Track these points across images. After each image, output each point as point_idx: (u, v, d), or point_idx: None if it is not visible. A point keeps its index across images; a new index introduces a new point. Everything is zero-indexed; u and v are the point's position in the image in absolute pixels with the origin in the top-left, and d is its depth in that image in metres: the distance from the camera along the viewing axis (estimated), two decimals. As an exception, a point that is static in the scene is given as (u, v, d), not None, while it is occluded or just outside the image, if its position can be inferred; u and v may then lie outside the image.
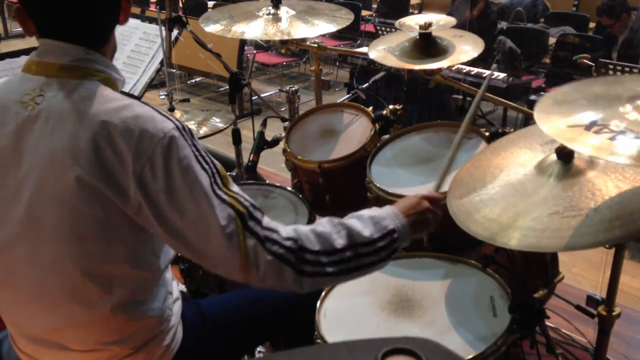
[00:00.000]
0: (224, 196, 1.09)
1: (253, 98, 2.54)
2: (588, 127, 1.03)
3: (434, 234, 1.69)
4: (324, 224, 1.17)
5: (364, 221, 1.19)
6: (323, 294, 1.47)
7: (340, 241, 1.14)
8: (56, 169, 1.06)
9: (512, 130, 1.65)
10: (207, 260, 1.12)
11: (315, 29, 2.13)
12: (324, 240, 1.13)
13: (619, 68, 4.17)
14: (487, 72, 4.65)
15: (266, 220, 1.12)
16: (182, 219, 1.06)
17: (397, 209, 1.25)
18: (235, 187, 1.13)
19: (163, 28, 2.04)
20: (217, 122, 2.06)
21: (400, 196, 1.68)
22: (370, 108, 2.11)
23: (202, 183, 1.07)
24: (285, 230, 1.12)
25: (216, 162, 1.13)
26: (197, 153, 1.09)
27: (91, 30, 1.14)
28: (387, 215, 1.22)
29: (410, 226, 1.24)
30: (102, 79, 1.13)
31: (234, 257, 1.08)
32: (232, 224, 1.08)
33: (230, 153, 2.63)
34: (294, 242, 1.11)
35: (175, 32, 2.20)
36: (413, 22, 2.00)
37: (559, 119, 1.09)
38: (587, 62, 4.66)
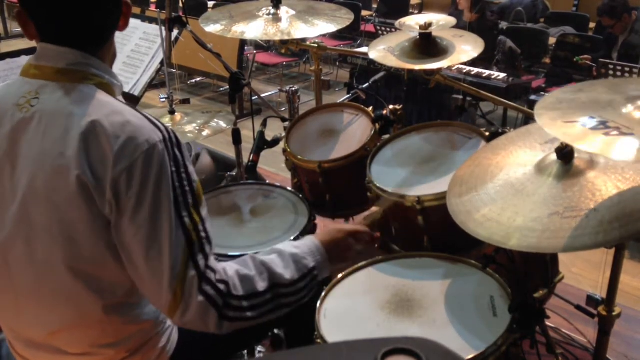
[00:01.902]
0: (185, 219, 1.09)
1: (253, 98, 2.54)
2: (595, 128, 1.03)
3: (434, 234, 1.69)
4: (248, 264, 1.17)
5: (285, 260, 1.20)
6: (323, 294, 1.47)
7: (262, 284, 1.15)
8: (46, 169, 1.07)
9: (511, 130, 1.64)
10: (143, 282, 1.11)
11: (316, 29, 2.12)
12: (248, 284, 1.14)
13: (619, 68, 4.17)
14: (487, 72, 4.65)
15: (212, 260, 1.13)
16: (137, 233, 1.07)
17: (319, 241, 1.28)
18: (203, 212, 1.13)
19: (163, 28, 2.04)
20: (220, 123, 2.06)
21: (401, 196, 1.69)
22: (370, 108, 2.11)
23: (170, 201, 1.07)
24: (220, 272, 1.12)
25: (194, 179, 1.13)
26: (174, 169, 1.09)
27: (90, 34, 1.14)
28: (309, 251, 1.24)
29: (330, 262, 1.28)
30: (98, 83, 1.14)
31: (171, 283, 1.08)
32: (180, 250, 1.08)
33: (230, 153, 2.63)
34: (226, 285, 1.11)
35: (175, 32, 2.20)
36: (413, 22, 2.00)
37: (564, 121, 1.10)
38: (588, 62, 4.66)
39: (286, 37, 2.12)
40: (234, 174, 2.47)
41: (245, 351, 1.84)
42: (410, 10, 7.43)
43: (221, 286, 1.11)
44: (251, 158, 2.06)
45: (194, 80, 6.80)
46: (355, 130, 2.10)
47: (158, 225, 1.07)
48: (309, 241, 1.28)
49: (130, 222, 1.07)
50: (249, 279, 1.15)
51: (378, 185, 1.76)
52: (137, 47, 2.61)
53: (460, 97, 2.18)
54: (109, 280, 1.14)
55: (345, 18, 2.19)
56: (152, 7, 7.18)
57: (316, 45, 2.39)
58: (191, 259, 1.09)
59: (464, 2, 5.61)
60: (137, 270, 1.10)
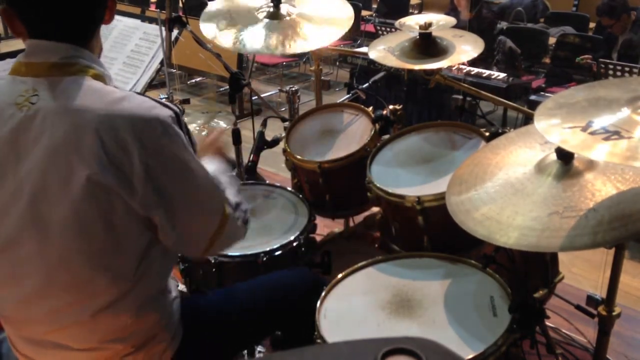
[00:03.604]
0: (208, 168, 1.23)
1: (253, 98, 2.54)
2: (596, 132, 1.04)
3: (434, 234, 1.70)
4: (236, 191, 1.34)
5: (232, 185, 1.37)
6: (323, 294, 1.47)
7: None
8: (59, 166, 1.07)
9: (511, 130, 1.65)
10: (189, 237, 1.20)
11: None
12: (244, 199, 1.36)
13: (619, 68, 4.17)
14: (487, 72, 4.65)
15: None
16: (183, 196, 1.15)
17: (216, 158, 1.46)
18: None
19: (163, 28, 2.04)
20: (220, 123, 2.06)
21: (401, 196, 1.68)
22: (370, 108, 2.11)
23: (197, 161, 1.18)
24: (235, 198, 1.31)
25: (193, 140, 1.25)
26: (187, 137, 1.17)
27: (79, 27, 1.15)
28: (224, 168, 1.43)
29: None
30: (93, 74, 1.14)
31: (215, 218, 1.21)
32: (220, 190, 1.24)
33: (230, 153, 2.62)
34: (241, 206, 1.31)
35: (175, 32, 2.20)
36: (413, 22, 2.00)
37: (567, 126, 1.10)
38: (589, 61, 4.67)
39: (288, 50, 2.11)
40: (234, 174, 2.47)
41: (245, 351, 1.84)
42: (410, 10, 7.42)
43: (243, 208, 1.32)
44: (251, 158, 2.06)
45: (194, 80, 6.79)
46: (355, 131, 2.10)
47: (195, 184, 1.17)
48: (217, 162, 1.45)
49: (172, 185, 1.12)
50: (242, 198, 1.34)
51: (378, 185, 1.76)
52: (137, 47, 2.60)
53: (460, 97, 2.18)
54: (125, 266, 1.15)
55: (345, 18, 2.18)
56: (152, 7, 7.17)
57: (316, 45, 2.39)
58: (224, 193, 1.26)
59: (463, 1, 5.61)
60: (182, 228, 1.17)
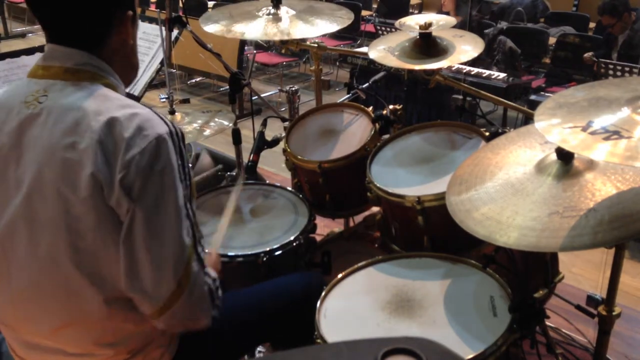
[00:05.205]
0: (190, 211, 1.14)
1: (253, 98, 2.54)
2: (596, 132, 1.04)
3: (434, 234, 1.70)
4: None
5: None
6: (323, 294, 1.47)
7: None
8: (56, 161, 1.08)
9: (511, 130, 1.65)
10: (140, 271, 1.10)
11: (316, 28, 2.12)
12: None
13: (619, 68, 4.17)
14: (486, 72, 4.65)
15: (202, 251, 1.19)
16: (147, 220, 1.08)
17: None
18: (194, 205, 1.18)
19: (163, 28, 2.04)
20: (221, 122, 2.06)
21: (401, 196, 1.68)
22: (370, 108, 2.11)
23: (178, 193, 1.11)
24: (209, 269, 1.21)
25: (191, 174, 1.17)
26: (179, 162, 1.12)
27: (92, 36, 1.17)
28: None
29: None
30: (105, 83, 1.16)
31: (177, 271, 1.11)
32: (189, 239, 1.12)
33: (230, 153, 2.63)
34: (215, 282, 1.21)
35: (175, 32, 2.21)
36: (413, 22, 2.00)
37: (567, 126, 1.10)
38: (593, 59, 4.69)
39: (286, 37, 2.12)
40: (234, 174, 2.47)
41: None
42: (410, 10, 7.42)
43: (217, 283, 1.22)
44: (251, 158, 2.06)
45: (194, 80, 6.79)
46: (355, 130, 2.10)
47: (163, 214, 1.09)
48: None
49: (140, 207, 1.08)
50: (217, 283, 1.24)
51: (378, 185, 1.76)
52: (137, 47, 2.60)
53: (460, 97, 2.18)
54: (112, 272, 1.14)
55: (345, 18, 2.19)
56: (152, 7, 7.18)
57: (316, 45, 2.39)
58: (195, 250, 1.14)
59: (449, 3, 5.64)
60: (137, 258, 1.10)
